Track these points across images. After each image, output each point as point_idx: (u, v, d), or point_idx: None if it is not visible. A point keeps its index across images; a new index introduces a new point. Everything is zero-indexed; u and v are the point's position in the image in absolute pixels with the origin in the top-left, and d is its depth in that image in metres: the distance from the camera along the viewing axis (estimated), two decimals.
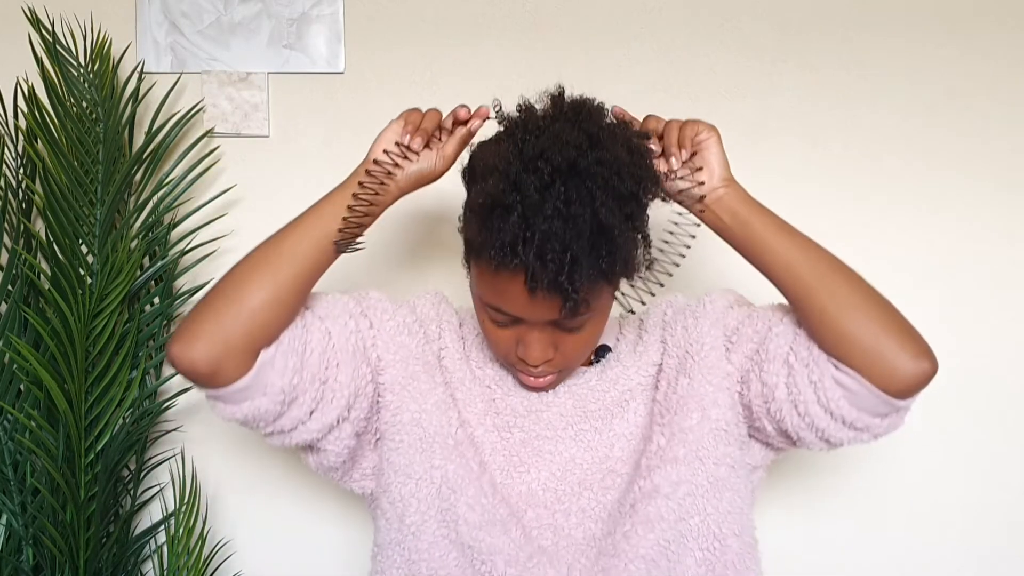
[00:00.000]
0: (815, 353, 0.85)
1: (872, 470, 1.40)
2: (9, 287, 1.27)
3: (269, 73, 1.39)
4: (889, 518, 1.41)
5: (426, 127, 0.90)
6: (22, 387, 1.26)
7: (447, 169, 0.92)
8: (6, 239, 1.29)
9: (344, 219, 0.88)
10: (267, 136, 1.40)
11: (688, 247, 0.88)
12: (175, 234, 1.38)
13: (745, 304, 0.97)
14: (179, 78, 1.38)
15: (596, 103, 0.83)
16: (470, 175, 0.85)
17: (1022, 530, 1.40)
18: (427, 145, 0.91)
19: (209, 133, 1.38)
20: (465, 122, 0.92)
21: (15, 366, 1.24)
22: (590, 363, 0.99)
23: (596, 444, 0.92)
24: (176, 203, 1.36)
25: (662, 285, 0.84)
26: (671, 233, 0.89)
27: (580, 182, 0.74)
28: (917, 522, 1.40)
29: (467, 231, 0.83)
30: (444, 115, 0.93)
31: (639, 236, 0.80)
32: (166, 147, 1.36)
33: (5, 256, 1.29)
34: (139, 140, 1.36)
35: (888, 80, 1.38)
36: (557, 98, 0.83)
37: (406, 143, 0.89)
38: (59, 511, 1.22)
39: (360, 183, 0.89)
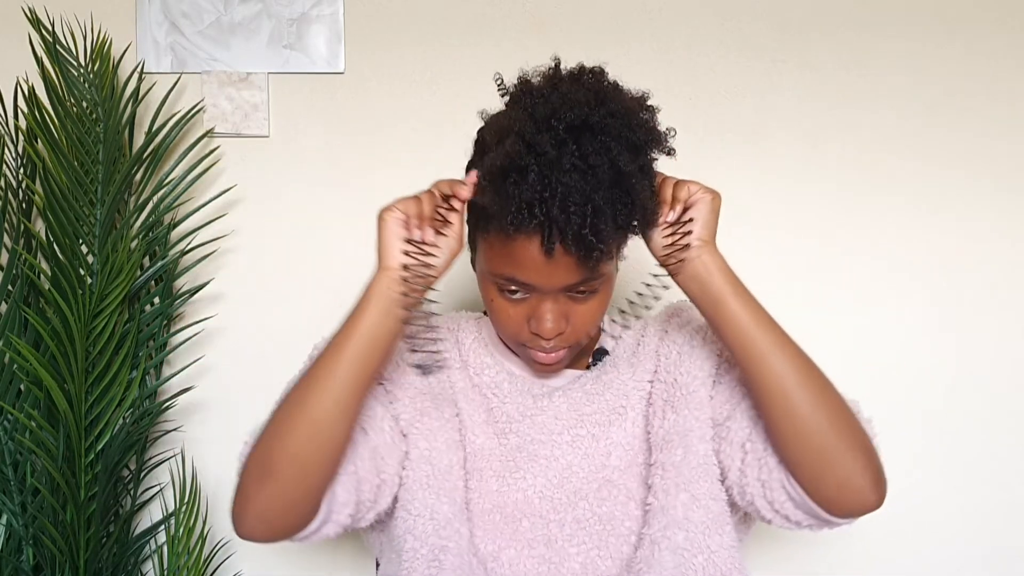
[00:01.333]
0: (768, 454, 0.83)
1: None
2: (9, 287, 1.27)
3: (269, 73, 1.39)
4: (889, 518, 1.41)
5: (428, 214, 0.82)
6: (22, 387, 1.26)
7: (462, 246, 0.86)
8: (6, 239, 1.29)
9: (409, 339, 0.83)
10: (267, 136, 1.40)
11: (657, 299, 0.87)
12: (175, 234, 1.38)
13: None
14: (179, 78, 1.38)
15: (595, 66, 0.83)
16: (480, 147, 0.84)
17: (1022, 530, 1.40)
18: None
19: (209, 133, 1.38)
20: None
21: (15, 366, 1.24)
22: (587, 366, 0.98)
23: (593, 452, 0.91)
24: (176, 203, 1.36)
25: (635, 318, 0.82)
26: (641, 291, 0.88)
27: (594, 136, 0.75)
28: (917, 522, 1.40)
29: (480, 201, 0.80)
30: (430, 188, 0.86)
31: (651, 188, 0.80)
32: (166, 147, 1.36)
33: (5, 256, 1.29)
34: (139, 140, 1.36)
35: (888, 80, 1.38)
36: (555, 68, 0.83)
37: (420, 240, 0.81)
38: (59, 511, 1.22)
39: (404, 294, 0.80)
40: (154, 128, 1.35)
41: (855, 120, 1.38)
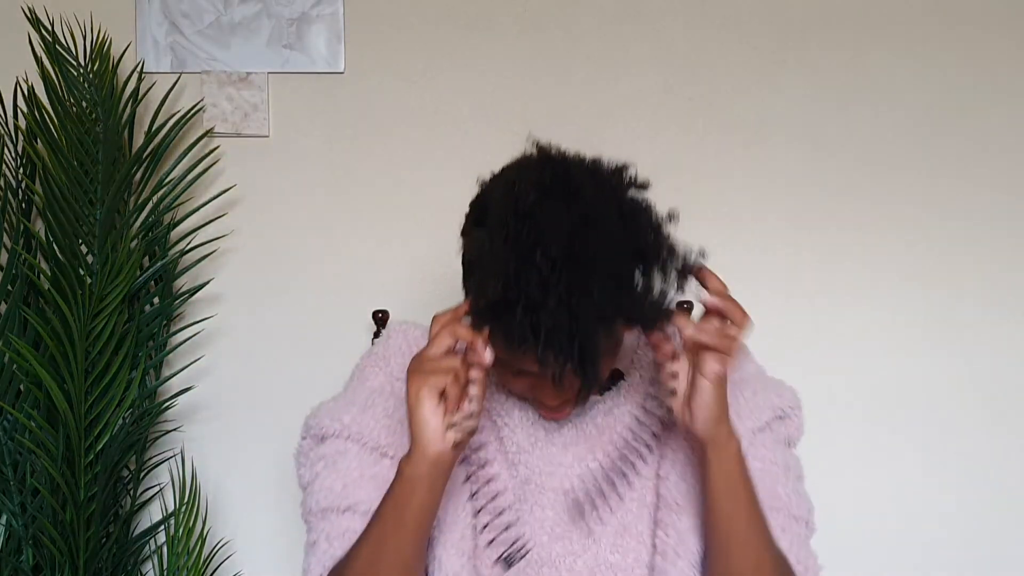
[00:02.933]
0: None
1: (872, 469, 1.40)
2: (9, 287, 1.27)
3: (269, 73, 1.39)
4: (889, 517, 1.40)
5: (457, 393, 0.78)
6: (22, 387, 1.26)
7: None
8: (6, 239, 1.29)
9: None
10: (267, 136, 1.40)
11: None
12: (175, 234, 1.37)
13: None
14: (179, 78, 1.38)
15: (580, 161, 0.78)
16: (467, 263, 0.81)
17: (1022, 531, 1.40)
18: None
19: (209, 133, 1.38)
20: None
21: (15, 366, 1.24)
22: (600, 392, 0.95)
23: (607, 489, 0.90)
24: (176, 203, 1.36)
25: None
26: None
27: (579, 270, 0.71)
28: (917, 522, 1.40)
29: (472, 308, 0.79)
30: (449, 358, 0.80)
31: (652, 279, 0.75)
32: (166, 147, 1.36)
33: (5, 256, 1.29)
34: (139, 140, 1.36)
35: (888, 80, 1.38)
36: (542, 166, 0.77)
37: (459, 418, 0.78)
38: (59, 511, 1.22)
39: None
40: (154, 128, 1.35)
41: (855, 120, 1.38)
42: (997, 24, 1.37)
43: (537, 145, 0.82)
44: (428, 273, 1.39)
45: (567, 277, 0.70)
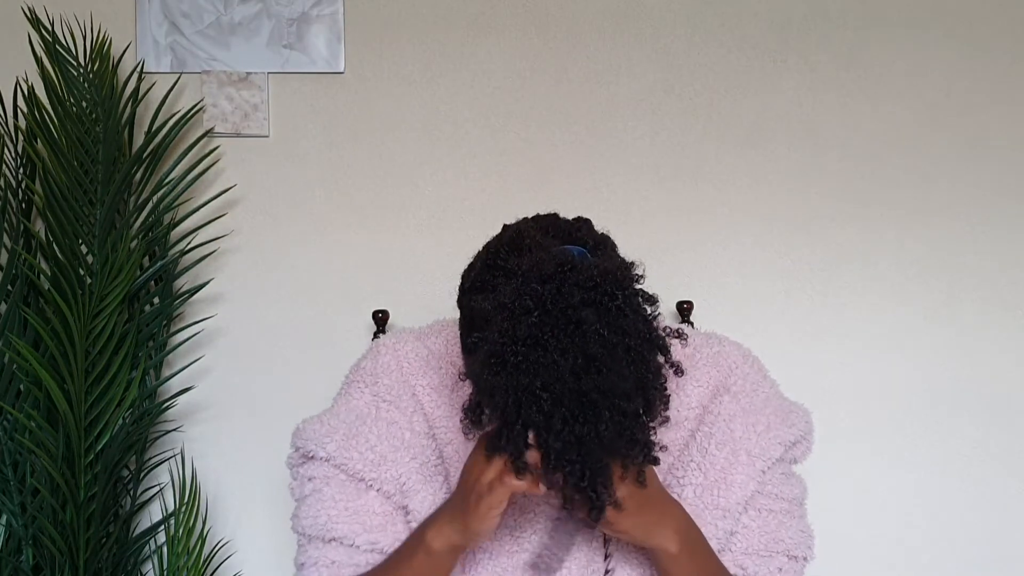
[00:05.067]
0: None
1: (872, 468, 1.40)
2: (9, 287, 1.27)
3: (269, 73, 1.39)
4: (888, 517, 1.41)
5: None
6: (22, 387, 1.26)
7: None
8: (6, 239, 1.29)
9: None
10: (267, 136, 1.40)
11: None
12: (175, 234, 1.37)
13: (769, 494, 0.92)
14: (179, 78, 1.38)
15: (583, 272, 0.73)
16: (469, 369, 0.80)
17: (1021, 531, 1.40)
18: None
19: (209, 133, 1.38)
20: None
21: (15, 366, 1.24)
22: None
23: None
24: (176, 203, 1.36)
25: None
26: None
27: (584, 405, 0.71)
28: (917, 522, 1.40)
29: (487, 442, 0.79)
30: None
31: (651, 409, 0.75)
32: (166, 147, 1.36)
33: (5, 256, 1.29)
34: (139, 140, 1.36)
35: (888, 80, 1.38)
36: (541, 277, 0.73)
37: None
38: (59, 511, 1.22)
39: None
40: (154, 128, 1.35)
41: (855, 120, 1.38)
42: (996, 23, 1.37)
43: (530, 236, 0.80)
44: (428, 273, 1.39)
45: (573, 410, 0.70)
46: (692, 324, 1.32)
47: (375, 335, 1.32)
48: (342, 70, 1.39)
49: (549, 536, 0.87)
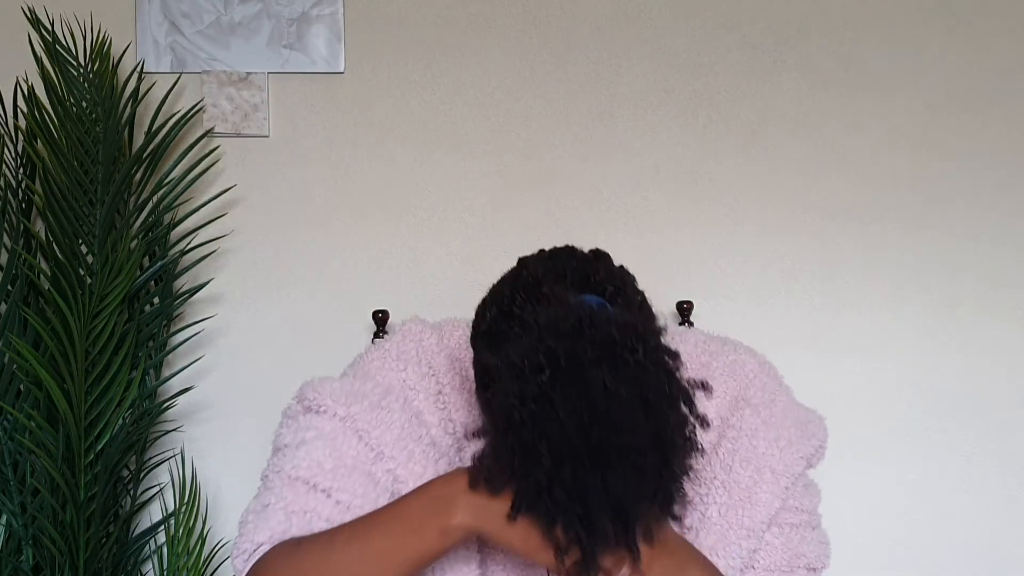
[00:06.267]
0: None
1: (871, 468, 1.40)
2: (9, 287, 1.27)
3: (269, 73, 1.39)
4: (888, 517, 1.41)
5: None
6: (22, 387, 1.26)
7: None
8: (6, 239, 1.29)
9: None
10: (267, 136, 1.40)
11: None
12: (175, 234, 1.37)
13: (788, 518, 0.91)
14: (179, 78, 1.38)
15: (598, 326, 0.71)
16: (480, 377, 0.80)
17: (1021, 531, 1.40)
18: None
19: (209, 133, 1.38)
20: None
21: (15, 366, 1.24)
22: None
23: None
24: (176, 203, 1.36)
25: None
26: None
27: (606, 467, 0.68)
28: (916, 522, 1.40)
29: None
30: None
31: (669, 463, 0.72)
32: (166, 147, 1.36)
33: (5, 256, 1.29)
34: (139, 140, 1.36)
35: (888, 80, 1.38)
36: (552, 348, 0.70)
37: None
38: (59, 511, 1.22)
39: None
40: (154, 128, 1.35)
41: (855, 120, 1.38)
42: (996, 21, 1.37)
43: (541, 283, 0.79)
44: (428, 273, 1.39)
45: (594, 473, 0.68)
46: (692, 324, 1.32)
47: (375, 335, 1.32)
48: (342, 70, 1.39)
49: None
